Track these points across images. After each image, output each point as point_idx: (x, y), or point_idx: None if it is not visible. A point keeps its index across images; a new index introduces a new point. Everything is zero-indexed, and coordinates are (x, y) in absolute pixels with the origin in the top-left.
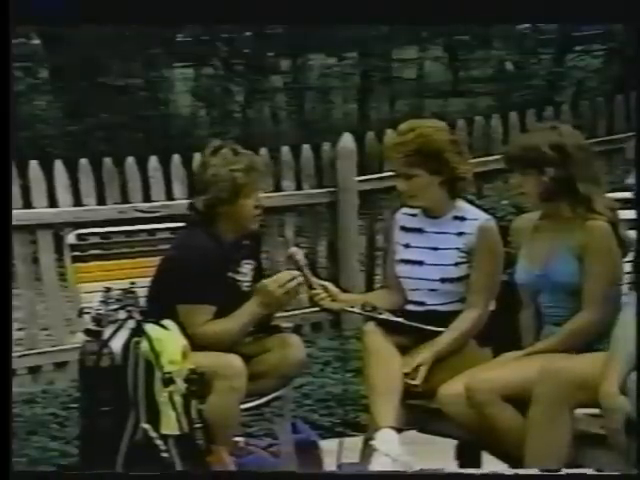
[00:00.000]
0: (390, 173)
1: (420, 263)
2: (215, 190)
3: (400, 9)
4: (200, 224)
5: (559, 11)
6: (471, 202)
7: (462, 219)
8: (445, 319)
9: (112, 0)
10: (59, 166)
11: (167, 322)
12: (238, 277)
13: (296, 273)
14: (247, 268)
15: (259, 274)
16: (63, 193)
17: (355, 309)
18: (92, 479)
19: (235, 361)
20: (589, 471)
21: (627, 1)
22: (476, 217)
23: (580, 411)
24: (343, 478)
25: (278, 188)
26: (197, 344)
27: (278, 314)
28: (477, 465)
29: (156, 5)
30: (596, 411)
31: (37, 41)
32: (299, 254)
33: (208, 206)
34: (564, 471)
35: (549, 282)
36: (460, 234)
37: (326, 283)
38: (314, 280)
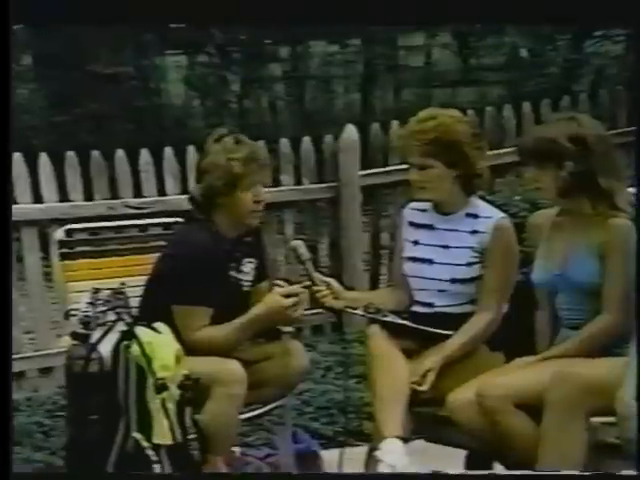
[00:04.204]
0: (395, 167)
1: (429, 262)
2: (210, 178)
3: (403, 8)
4: (199, 220)
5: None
6: (482, 198)
7: (475, 217)
8: (454, 321)
9: (112, 0)
10: (44, 159)
11: (159, 325)
12: (239, 276)
13: (302, 290)
14: (249, 267)
15: (261, 273)
16: (49, 188)
17: (358, 311)
18: None
19: (235, 367)
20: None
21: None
22: (490, 215)
23: (596, 419)
24: (343, 479)
25: (277, 183)
26: (191, 349)
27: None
28: None
29: (156, 5)
30: (613, 419)
31: (19, 25)
32: (302, 247)
33: (204, 196)
34: (564, 472)
35: (567, 282)
36: (473, 232)
37: (329, 279)
38: (317, 276)
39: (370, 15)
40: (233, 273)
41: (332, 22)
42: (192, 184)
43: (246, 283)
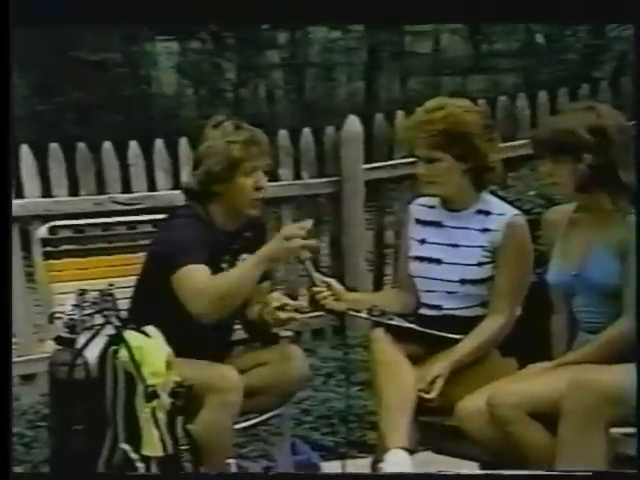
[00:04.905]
0: (401, 160)
1: (437, 261)
2: (208, 163)
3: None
4: (192, 209)
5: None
6: (494, 193)
7: (487, 213)
8: (464, 325)
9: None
10: (26, 151)
11: (149, 328)
12: None
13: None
14: None
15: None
16: (31, 182)
17: (361, 313)
18: None
19: (230, 373)
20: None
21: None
22: (503, 212)
23: (616, 430)
24: (343, 479)
25: (275, 177)
26: (206, 303)
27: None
28: None
29: (158, 5)
30: (634, 430)
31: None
32: None
33: (201, 184)
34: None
35: (585, 283)
36: (484, 230)
37: (330, 280)
38: (316, 276)
39: (373, 12)
40: (226, 267)
41: (332, 20)
42: (184, 178)
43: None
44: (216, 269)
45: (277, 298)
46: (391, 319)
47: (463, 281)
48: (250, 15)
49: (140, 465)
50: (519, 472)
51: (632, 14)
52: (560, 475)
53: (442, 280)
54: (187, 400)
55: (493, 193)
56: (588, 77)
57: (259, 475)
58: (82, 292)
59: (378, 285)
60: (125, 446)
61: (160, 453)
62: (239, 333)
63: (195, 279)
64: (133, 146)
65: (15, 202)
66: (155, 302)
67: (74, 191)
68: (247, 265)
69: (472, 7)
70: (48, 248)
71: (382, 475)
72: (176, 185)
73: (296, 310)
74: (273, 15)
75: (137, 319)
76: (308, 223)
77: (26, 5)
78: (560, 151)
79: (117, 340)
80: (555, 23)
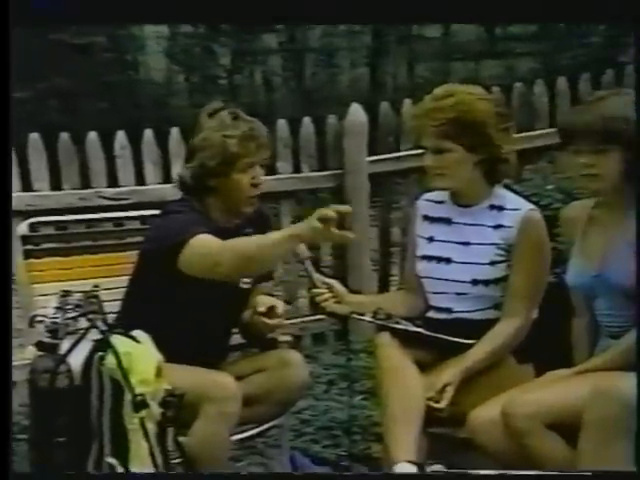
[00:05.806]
0: (408, 152)
1: (447, 261)
2: (202, 157)
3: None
4: (187, 202)
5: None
6: (508, 187)
7: (500, 209)
8: (476, 329)
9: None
10: None
11: (138, 333)
12: None
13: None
14: None
15: (264, 273)
16: None
17: (366, 317)
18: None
19: (227, 380)
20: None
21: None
22: (518, 207)
23: None
24: (342, 479)
25: (273, 170)
26: (227, 257)
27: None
28: None
29: (158, 4)
30: None
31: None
32: (301, 244)
33: (195, 177)
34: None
35: (607, 285)
36: (497, 227)
37: (331, 281)
38: (317, 277)
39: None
40: None
41: (335, 20)
42: (175, 171)
43: (245, 279)
44: None
45: (262, 302)
46: (397, 323)
47: (475, 282)
48: (248, 13)
49: None
50: (519, 472)
51: (632, 14)
52: (560, 475)
53: (452, 281)
54: (179, 410)
55: (507, 187)
56: (612, 61)
57: (259, 475)
58: (65, 294)
59: (383, 286)
60: (112, 460)
61: (149, 467)
62: (235, 338)
63: (210, 241)
64: (120, 136)
65: None
66: (149, 304)
67: (56, 185)
68: (271, 235)
69: (473, 6)
70: (29, 246)
71: (383, 475)
72: (166, 179)
73: (282, 316)
74: (272, 14)
75: (128, 323)
76: (347, 208)
77: (26, 5)
78: (607, 140)
79: (103, 345)
80: (554, 22)
